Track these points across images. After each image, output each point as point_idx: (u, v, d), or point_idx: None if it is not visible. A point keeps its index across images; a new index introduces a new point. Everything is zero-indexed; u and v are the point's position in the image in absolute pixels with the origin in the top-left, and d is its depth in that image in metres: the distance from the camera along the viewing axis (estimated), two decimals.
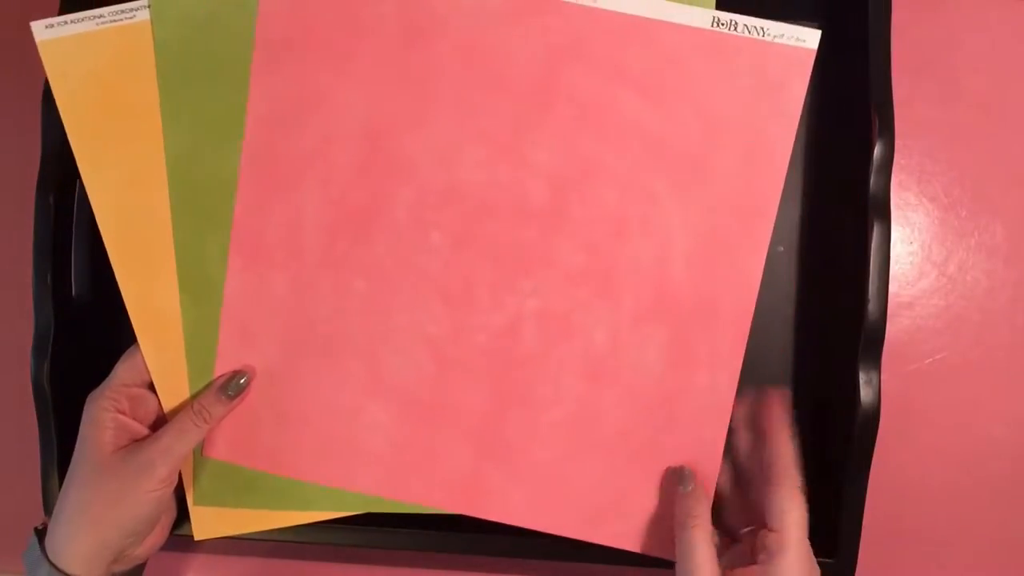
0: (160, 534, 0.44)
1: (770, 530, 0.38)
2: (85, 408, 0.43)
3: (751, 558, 0.39)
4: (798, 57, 0.41)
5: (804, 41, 0.41)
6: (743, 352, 0.43)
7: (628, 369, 0.43)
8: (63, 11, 0.44)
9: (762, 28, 0.41)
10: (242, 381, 0.44)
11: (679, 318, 0.43)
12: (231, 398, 0.43)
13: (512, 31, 0.42)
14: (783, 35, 0.41)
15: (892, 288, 0.47)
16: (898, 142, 0.44)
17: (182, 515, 0.46)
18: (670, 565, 0.44)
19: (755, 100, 0.42)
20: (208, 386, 0.44)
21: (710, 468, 0.43)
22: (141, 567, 0.45)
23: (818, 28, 0.41)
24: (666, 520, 0.44)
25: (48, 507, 0.46)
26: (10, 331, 0.54)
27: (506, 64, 0.43)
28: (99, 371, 0.44)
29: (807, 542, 0.38)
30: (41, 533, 0.42)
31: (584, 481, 0.44)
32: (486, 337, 0.44)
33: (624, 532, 0.44)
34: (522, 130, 0.43)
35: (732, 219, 0.42)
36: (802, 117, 0.48)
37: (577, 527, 0.44)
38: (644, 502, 0.44)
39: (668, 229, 0.43)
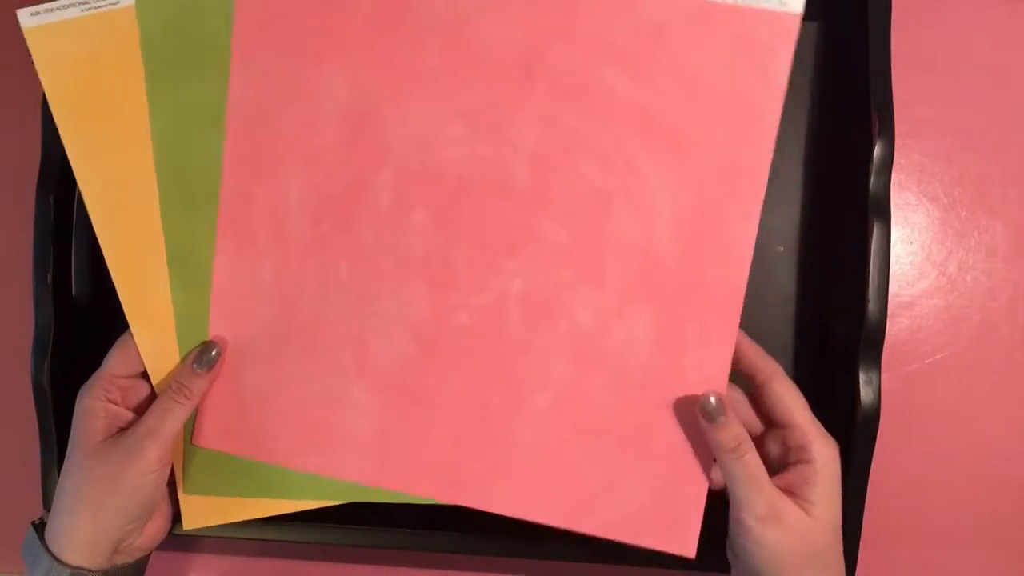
0: (161, 524, 0.44)
1: (785, 426, 0.40)
2: (77, 399, 0.43)
3: (777, 461, 0.41)
4: (783, 22, 0.40)
5: (787, 5, 0.40)
6: (736, 330, 0.41)
7: (615, 350, 0.42)
8: None
9: None
10: (213, 353, 0.43)
11: (667, 296, 0.42)
12: (206, 370, 0.43)
13: (492, 5, 0.42)
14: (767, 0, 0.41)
15: (892, 288, 0.48)
16: (898, 142, 0.44)
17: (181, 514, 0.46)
18: (663, 560, 0.43)
19: (740, 68, 0.41)
20: (182, 361, 0.44)
21: (704, 453, 0.42)
22: (144, 560, 0.45)
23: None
24: (659, 508, 0.43)
25: (48, 507, 0.46)
26: (10, 331, 0.54)
27: (486, 39, 0.42)
28: None
29: (815, 418, 0.41)
30: (39, 527, 0.43)
31: (571, 467, 0.43)
32: (469, 318, 0.43)
33: (614, 521, 0.43)
34: (503, 106, 0.42)
35: (720, 192, 0.41)
36: (802, 117, 0.48)
37: (564, 516, 0.43)
38: (635, 489, 0.43)
39: (654, 204, 0.42)
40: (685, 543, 0.43)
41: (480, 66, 0.42)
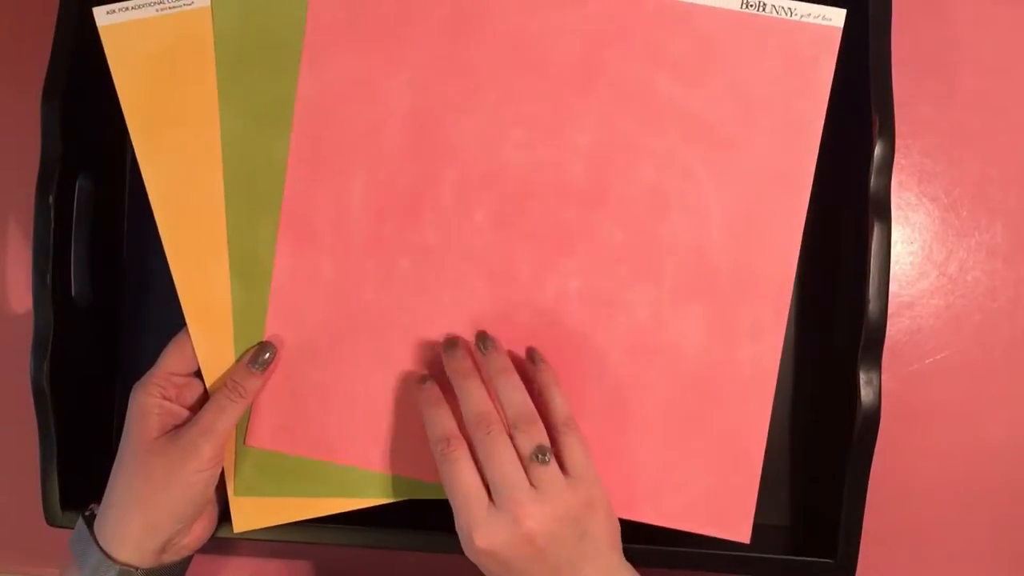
0: (207, 524, 0.45)
1: None
2: (131, 396, 0.43)
3: None
4: (825, 35, 0.43)
5: (830, 20, 0.43)
6: (785, 323, 0.43)
7: (671, 345, 0.44)
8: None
9: (789, 8, 0.43)
10: (267, 355, 0.44)
11: (719, 292, 0.44)
12: (261, 370, 0.44)
13: (553, 17, 0.44)
14: (810, 14, 0.43)
15: (892, 288, 0.47)
16: (898, 142, 0.44)
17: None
18: (667, 556, 0.44)
19: (786, 77, 0.43)
20: (238, 361, 0.44)
21: (756, 441, 0.43)
22: (187, 561, 0.45)
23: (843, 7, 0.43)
24: (714, 496, 0.44)
25: (48, 508, 0.46)
26: (10, 331, 0.54)
27: (548, 49, 0.44)
28: (99, 371, 0.44)
29: None
30: (88, 519, 0.43)
31: (626, 459, 0.44)
32: (528, 315, 0.44)
33: (671, 511, 0.44)
34: (563, 112, 0.44)
35: (768, 193, 0.44)
36: None
37: (623, 506, 0.44)
38: (690, 478, 0.44)
39: (706, 205, 0.44)
40: (740, 529, 0.44)
41: (541, 73, 0.44)
